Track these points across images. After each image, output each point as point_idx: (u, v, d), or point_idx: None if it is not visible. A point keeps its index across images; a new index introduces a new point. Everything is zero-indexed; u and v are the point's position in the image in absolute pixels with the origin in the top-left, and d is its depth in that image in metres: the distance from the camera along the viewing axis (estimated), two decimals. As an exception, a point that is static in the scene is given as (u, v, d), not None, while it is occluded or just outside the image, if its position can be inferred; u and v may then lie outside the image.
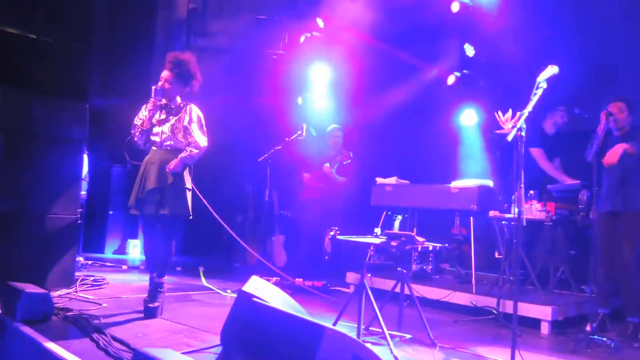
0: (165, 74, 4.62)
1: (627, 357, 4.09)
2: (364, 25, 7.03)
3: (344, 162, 6.52)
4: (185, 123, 4.59)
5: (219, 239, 8.10)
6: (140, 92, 8.56)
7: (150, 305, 4.41)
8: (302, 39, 8.27)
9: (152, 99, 4.56)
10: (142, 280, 6.30)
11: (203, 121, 4.68)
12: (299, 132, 6.56)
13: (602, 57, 6.21)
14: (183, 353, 3.06)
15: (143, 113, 4.63)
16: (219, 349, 3.24)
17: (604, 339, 4.25)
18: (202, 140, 4.59)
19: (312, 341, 2.35)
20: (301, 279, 6.12)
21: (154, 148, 4.62)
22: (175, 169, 4.45)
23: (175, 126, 4.58)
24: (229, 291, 5.74)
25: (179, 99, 4.70)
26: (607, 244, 4.68)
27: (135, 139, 4.64)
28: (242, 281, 3.29)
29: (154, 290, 4.46)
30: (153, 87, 4.58)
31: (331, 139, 6.89)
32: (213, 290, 5.89)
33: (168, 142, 4.57)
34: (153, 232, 4.56)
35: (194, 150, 4.53)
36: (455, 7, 6.96)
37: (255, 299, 2.86)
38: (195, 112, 4.68)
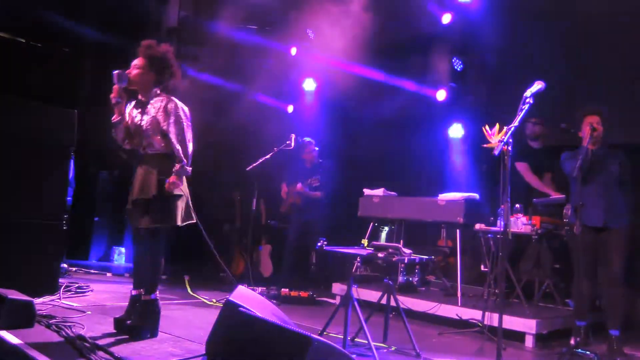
0: (136, 60, 4.03)
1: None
2: (354, 37, 7.08)
3: (314, 185, 6.58)
4: (165, 126, 3.93)
5: (205, 248, 8.06)
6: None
7: (137, 323, 3.93)
8: (294, 51, 8.32)
9: (114, 85, 3.92)
10: (128, 288, 6.25)
11: (186, 120, 4.01)
12: (288, 142, 6.57)
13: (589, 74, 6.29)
14: (167, 362, 3.04)
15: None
16: (204, 359, 3.23)
17: (587, 352, 4.29)
18: (185, 147, 3.94)
19: (298, 351, 2.35)
20: (287, 289, 6.11)
21: (139, 151, 4.09)
22: (172, 189, 3.90)
23: (153, 127, 3.96)
24: (214, 300, 5.72)
25: (156, 93, 4.06)
26: (591, 258, 4.71)
27: (113, 135, 4.08)
28: (228, 291, 3.28)
29: (144, 308, 4.01)
30: (114, 72, 3.94)
31: (304, 153, 6.93)
32: (199, 299, 5.85)
33: (147, 145, 4.00)
34: (138, 246, 4.14)
35: (181, 161, 3.91)
36: (446, 19, 7.03)
37: (241, 308, 2.86)
38: (177, 109, 3.98)
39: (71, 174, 6.28)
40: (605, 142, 4.77)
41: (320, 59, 8.03)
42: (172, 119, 3.95)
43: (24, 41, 5.46)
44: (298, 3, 7.94)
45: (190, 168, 4.02)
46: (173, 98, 4.06)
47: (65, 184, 5.54)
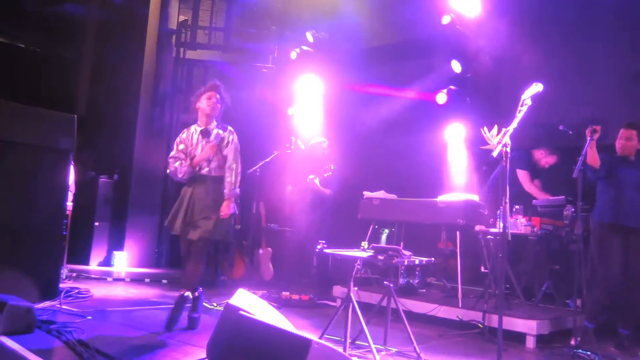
0: (211, 96, 4.63)
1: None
2: (354, 40, 7.11)
3: (325, 175, 6.55)
4: (225, 152, 4.61)
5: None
6: (128, 105, 8.60)
7: (194, 315, 4.51)
8: (293, 55, 8.34)
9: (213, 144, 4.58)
10: (128, 292, 6.26)
11: (238, 147, 4.69)
12: (288, 145, 6.58)
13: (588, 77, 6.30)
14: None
15: (186, 141, 4.64)
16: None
17: (588, 353, 4.29)
18: (238, 171, 4.59)
19: (299, 355, 2.36)
20: (288, 293, 6.11)
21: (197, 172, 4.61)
22: (227, 213, 4.50)
23: (214, 152, 4.59)
24: (215, 304, 5.72)
25: (214, 123, 4.69)
26: (618, 259, 4.70)
27: (178, 174, 4.61)
28: (228, 294, 3.29)
29: (196, 302, 4.55)
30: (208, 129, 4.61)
31: (315, 151, 6.92)
32: (199, 303, 5.85)
33: (206, 169, 4.60)
34: (188, 254, 4.58)
35: (232, 180, 4.55)
36: (445, 20, 7.04)
37: (241, 312, 2.86)
38: (234, 137, 4.69)
39: (71, 178, 6.29)
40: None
41: (320, 62, 8.06)
42: (231, 147, 4.63)
43: (23, 46, 5.47)
44: (300, 6, 7.98)
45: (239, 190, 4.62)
46: (230, 127, 4.73)
47: (64, 188, 5.54)
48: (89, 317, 4.67)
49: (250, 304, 3.05)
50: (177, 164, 4.64)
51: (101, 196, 8.30)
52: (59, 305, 5.01)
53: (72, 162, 5.92)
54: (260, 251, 7.61)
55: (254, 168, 6.46)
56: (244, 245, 7.57)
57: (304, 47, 8.30)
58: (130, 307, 4.43)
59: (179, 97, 8.90)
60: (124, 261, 8.12)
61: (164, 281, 7.08)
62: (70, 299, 5.38)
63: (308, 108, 8.22)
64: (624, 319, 4.67)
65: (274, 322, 2.89)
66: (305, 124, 8.05)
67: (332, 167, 6.51)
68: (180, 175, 4.63)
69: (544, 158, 6.18)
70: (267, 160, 6.50)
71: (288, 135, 6.97)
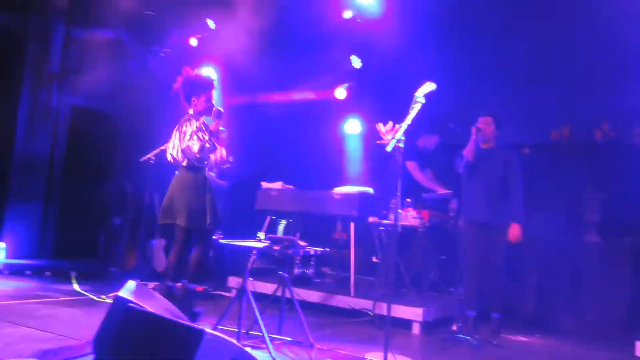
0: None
1: (487, 354, 4.45)
2: (254, 31, 7.04)
3: (223, 167, 6.48)
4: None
5: (93, 242, 7.71)
6: (9, 86, 7.96)
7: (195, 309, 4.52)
8: (194, 41, 8.12)
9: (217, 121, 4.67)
10: (6, 285, 5.85)
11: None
12: (185, 133, 6.41)
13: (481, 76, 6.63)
14: (50, 362, 2.89)
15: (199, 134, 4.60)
16: (90, 358, 3.10)
17: (468, 337, 4.59)
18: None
19: (191, 346, 2.33)
20: (181, 284, 5.98)
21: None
22: None
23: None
24: (103, 297, 5.49)
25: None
26: (478, 251, 5.03)
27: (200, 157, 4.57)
28: (118, 286, 3.17)
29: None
30: (218, 110, 4.68)
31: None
32: (86, 295, 5.59)
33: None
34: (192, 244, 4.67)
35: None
36: (347, 15, 7.15)
37: (131, 304, 2.78)
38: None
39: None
40: (495, 141, 5.11)
41: (220, 50, 7.91)
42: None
43: None
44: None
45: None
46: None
47: None
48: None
49: (141, 296, 2.96)
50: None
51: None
52: None
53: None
54: (153, 242, 7.39)
55: (148, 156, 6.23)
56: (135, 236, 7.30)
57: (204, 34, 8.11)
58: (9, 301, 4.14)
59: (69, 79, 8.37)
60: (2, 253, 7.55)
61: (47, 273, 6.68)
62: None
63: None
64: (493, 304, 5.04)
65: (166, 313, 2.83)
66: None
67: (231, 159, 6.44)
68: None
69: (427, 141, 6.45)
70: (162, 148, 6.29)
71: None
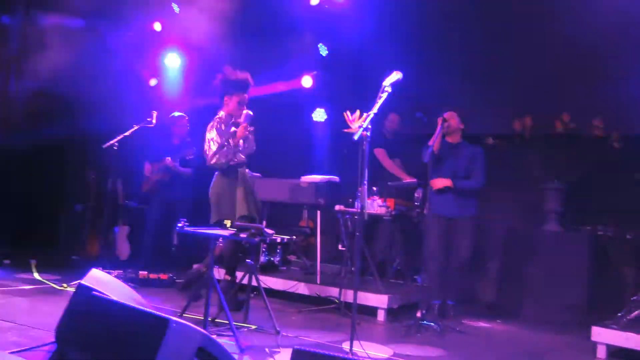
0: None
1: (450, 340, 4.54)
2: (218, 16, 6.93)
3: (187, 158, 6.42)
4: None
5: (54, 229, 7.53)
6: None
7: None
8: (158, 26, 7.95)
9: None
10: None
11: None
12: (149, 119, 6.30)
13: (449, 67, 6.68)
14: (11, 352, 2.83)
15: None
16: (53, 347, 3.03)
17: (432, 324, 4.68)
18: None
19: (156, 334, 2.30)
20: (146, 272, 5.92)
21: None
22: None
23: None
24: (65, 285, 5.38)
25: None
26: (444, 242, 5.13)
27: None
28: (80, 275, 3.11)
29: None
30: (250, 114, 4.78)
31: (175, 127, 6.71)
32: (47, 284, 5.47)
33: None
34: None
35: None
36: (314, 1, 7.10)
37: (95, 292, 2.73)
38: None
39: None
40: (461, 135, 5.20)
41: (185, 36, 7.77)
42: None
43: None
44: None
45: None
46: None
47: None
48: None
49: (105, 284, 2.91)
50: None
51: None
52: None
53: None
54: (116, 229, 7.27)
55: (111, 142, 6.10)
56: (97, 223, 7.16)
57: (169, 18, 7.95)
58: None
59: (27, 63, 8.09)
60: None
61: (7, 261, 6.49)
62: None
63: (172, 82, 7.92)
64: (450, 292, 5.16)
65: (131, 302, 2.79)
66: (169, 98, 7.75)
67: (193, 151, 6.37)
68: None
69: (389, 122, 6.49)
70: (125, 134, 6.18)
71: (150, 108, 6.66)
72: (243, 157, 4.92)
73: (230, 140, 4.73)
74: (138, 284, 5.62)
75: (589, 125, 5.96)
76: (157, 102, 7.42)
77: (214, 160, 4.75)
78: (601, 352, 4.28)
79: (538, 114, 6.21)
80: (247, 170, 5.06)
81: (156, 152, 6.57)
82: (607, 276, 5.64)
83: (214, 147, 4.73)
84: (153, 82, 7.97)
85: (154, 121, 6.34)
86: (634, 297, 4.58)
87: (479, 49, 6.40)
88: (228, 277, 4.89)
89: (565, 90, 6.01)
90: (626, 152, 5.69)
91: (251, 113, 4.80)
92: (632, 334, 4.16)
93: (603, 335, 4.28)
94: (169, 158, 6.39)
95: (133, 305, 2.64)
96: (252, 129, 4.89)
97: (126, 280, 5.47)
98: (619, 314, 4.42)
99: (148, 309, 2.61)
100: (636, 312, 4.37)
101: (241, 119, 4.77)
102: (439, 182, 5.09)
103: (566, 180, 5.89)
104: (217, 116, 4.90)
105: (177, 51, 7.86)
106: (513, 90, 6.24)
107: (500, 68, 6.32)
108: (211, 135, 4.78)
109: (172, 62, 7.92)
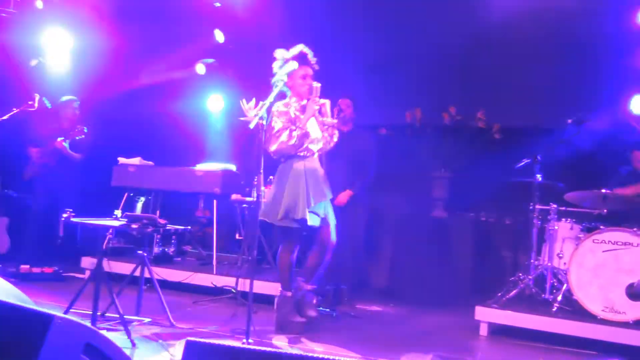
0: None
1: (345, 324, 4.68)
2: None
3: (77, 138, 6.04)
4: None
5: None
6: None
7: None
8: (39, 3, 7.40)
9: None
10: None
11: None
12: (30, 102, 5.87)
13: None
14: None
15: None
16: None
17: (327, 310, 4.79)
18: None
19: (38, 332, 2.17)
20: (28, 266, 5.55)
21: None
22: None
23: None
24: None
25: None
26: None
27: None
28: (-49, 270, 2.86)
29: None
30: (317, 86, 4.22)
31: (65, 111, 6.31)
32: None
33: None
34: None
35: None
36: None
37: (-32, 290, 2.52)
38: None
39: None
40: (354, 124, 5.32)
41: (72, 14, 7.30)
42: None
43: None
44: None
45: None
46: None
47: None
48: None
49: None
50: None
51: None
52: None
53: None
54: (-6, 221, 6.74)
55: (-13, 127, 5.63)
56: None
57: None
58: None
59: None
60: None
61: None
62: None
63: (57, 63, 7.41)
64: (343, 277, 5.32)
65: (10, 298, 2.61)
66: (53, 80, 7.25)
67: (85, 130, 6.01)
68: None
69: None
70: (4, 117, 5.72)
71: (31, 91, 6.20)
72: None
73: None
74: (19, 278, 5.27)
75: (474, 118, 6.34)
76: (41, 85, 6.92)
77: (288, 147, 4.18)
78: (483, 329, 4.59)
79: (428, 106, 6.51)
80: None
81: (42, 137, 6.15)
82: (489, 259, 6.06)
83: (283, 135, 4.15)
84: (34, 62, 7.41)
85: (36, 105, 5.92)
86: (512, 278, 4.95)
87: (372, 42, 6.55)
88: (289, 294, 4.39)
89: (453, 84, 6.32)
90: (505, 143, 6.11)
91: (318, 85, 4.24)
92: (510, 312, 4.51)
93: (485, 314, 4.60)
94: (61, 138, 5.98)
95: (12, 302, 2.47)
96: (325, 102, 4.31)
97: (5, 275, 5.09)
98: (499, 294, 4.76)
99: (29, 306, 2.45)
100: (514, 292, 4.73)
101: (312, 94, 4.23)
102: (342, 198, 5.15)
103: (452, 169, 6.24)
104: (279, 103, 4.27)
105: (63, 31, 7.37)
106: (405, 82, 6.47)
107: (394, 61, 6.53)
108: (279, 123, 4.18)
109: (58, 41, 7.40)
